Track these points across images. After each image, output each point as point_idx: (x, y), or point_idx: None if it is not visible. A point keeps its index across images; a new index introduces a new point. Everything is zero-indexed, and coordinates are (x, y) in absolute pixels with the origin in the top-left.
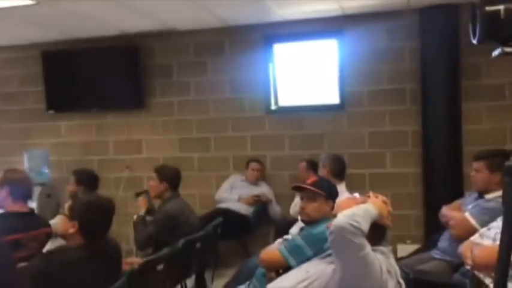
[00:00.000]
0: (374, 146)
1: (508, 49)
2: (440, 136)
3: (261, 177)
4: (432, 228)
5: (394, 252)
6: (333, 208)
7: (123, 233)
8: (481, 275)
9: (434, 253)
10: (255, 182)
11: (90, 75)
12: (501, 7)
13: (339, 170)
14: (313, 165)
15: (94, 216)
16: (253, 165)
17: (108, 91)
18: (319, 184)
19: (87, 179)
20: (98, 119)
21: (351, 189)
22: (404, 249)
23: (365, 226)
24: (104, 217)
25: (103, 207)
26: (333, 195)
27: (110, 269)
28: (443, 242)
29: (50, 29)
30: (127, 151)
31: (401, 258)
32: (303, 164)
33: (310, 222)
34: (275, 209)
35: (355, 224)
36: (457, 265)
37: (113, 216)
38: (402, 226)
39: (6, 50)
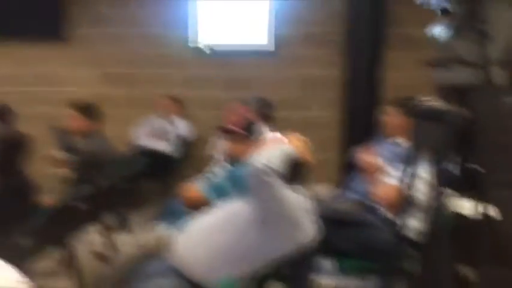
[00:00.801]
0: (299, 90)
1: None
2: (361, 82)
3: (176, 113)
4: (348, 171)
5: (314, 192)
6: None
7: (40, 170)
8: (389, 214)
9: (348, 194)
10: (167, 117)
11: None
12: None
13: (265, 113)
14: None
15: (8, 150)
16: (163, 100)
17: (23, 18)
18: (244, 125)
19: (1, 114)
20: (11, 50)
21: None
22: (322, 191)
23: (282, 167)
24: (17, 152)
25: (16, 142)
26: (256, 136)
27: (25, 205)
28: (357, 183)
29: None
30: (45, 85)
31: (319, 199)
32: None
33: (233, 162)
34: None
35: (271, 165)
36: (369, 206)
37: (26, 151)
38: (321, 168)
39: None
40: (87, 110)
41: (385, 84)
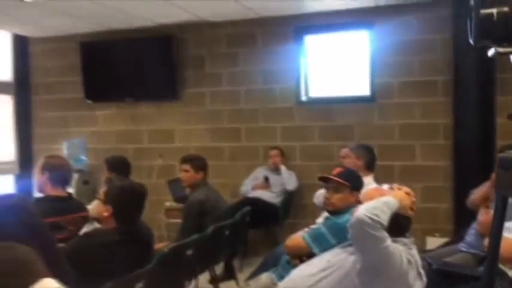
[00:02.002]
0: (404, 138)
1: (501, 49)
2: (472, 129)
3: (282, 163)
4: (462, 222)
5: (423, 244)
6: (357, 199)
7: (154, 219)
8: (505, 267)
9: (461, 246)
10: (275, 169)
11: (126, 66)
12: (494, 10)
13: (372, 162)
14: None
15: (126, 200)
16: (270, 152)
17: (143, 81)
18: (344, 175)
19: (119, 165)
20: (133, 109)
21: (379, 181)
22: (433, 242)
23: (385, 219)
24: (136, 202)
25: (135, 192)
26: (357, 186)
27: (141, 252)
28: (470, 235)
29: (87, 21)
30: (160, 140)
31: (429, 250)
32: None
33: (334, 212)
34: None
35: (374, 217)
36: (482, 258)
37: (144, 201)
38: (431, 219)
39: (47, 41)
40: (197, 163)
41: (496, 129)
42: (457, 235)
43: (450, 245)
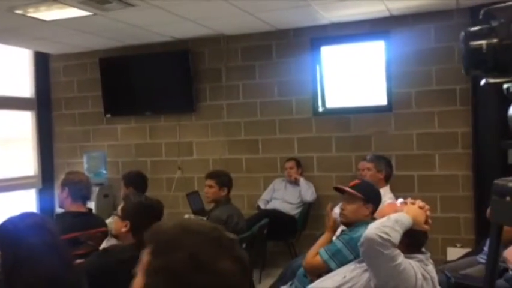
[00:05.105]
0: (422, 148)
1: (491, 80)
2: (491, 137)
3: (298, 174)
4: (483, 232)
5: (444, 255)
6: (373, 212)
7: None
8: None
9: (480, 257)
10: (293, 181)
11: (144, 80)
12: (483, 42)
13: (391, 174)
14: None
15: (144, 216)
16: (286, 164)
17: (161, 95)
18: (359, 187)
19: (135, 181)
20: (151, 122)
21: (398, 191)
22: (455, 253)
23: (395, 236)
24: (153, 217)
25: (152, 208)
26: (372, 198)
27: None
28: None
29: (106, 37)
30: (178, 153)
31: (450, 261)
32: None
33: (348, 224)
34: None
35: (383, 235)
36: (502, 270)
37: (161, 216)
38: (452, 229)
39: (67, 58)
40: (222, 179)
41: None
42: (478, 245)
43: (470, 256)
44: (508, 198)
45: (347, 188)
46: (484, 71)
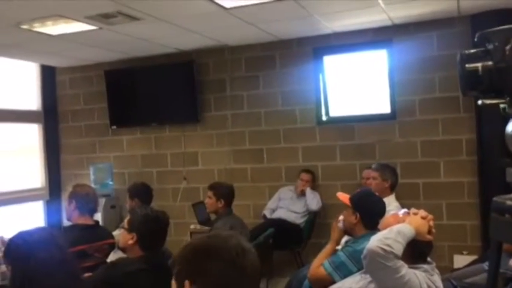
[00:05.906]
0: (427, 155)
1: (487, 101)
2: (496, 144)
3: (311, 187)
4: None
5: (451, 263)
6: (361, 220)
7: (180, 242)
8: None
9: (486, 265)
10: (301, 193)
11: (149, 92)
12: (479, 64)
13: (396, 183)
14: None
15: (150, 228)
16: (302, 175)
17: (166, 106)
18: (353, 195)
19: (140, 192)
20: (156, 133)
21: (404, 199)
22: (461, 260)
23: (398, 248)
24: (159, 229)
25: (158, 219)
26: (359, 207)
27: (166, 280)
28: None
29: (111, 50)
30: (184, 163)
31: (456, 269)
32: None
33: (345, 231)
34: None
35: (386, 248)
36: (508, 278)
37: (167, 228)
38: (458, 236)
39: (73, 70)
40: (219, 191)
41: None
42: (485, 252)
43: (477, 263)
44: (507, 216)
45: (338, 194)
46: (481, 93)
